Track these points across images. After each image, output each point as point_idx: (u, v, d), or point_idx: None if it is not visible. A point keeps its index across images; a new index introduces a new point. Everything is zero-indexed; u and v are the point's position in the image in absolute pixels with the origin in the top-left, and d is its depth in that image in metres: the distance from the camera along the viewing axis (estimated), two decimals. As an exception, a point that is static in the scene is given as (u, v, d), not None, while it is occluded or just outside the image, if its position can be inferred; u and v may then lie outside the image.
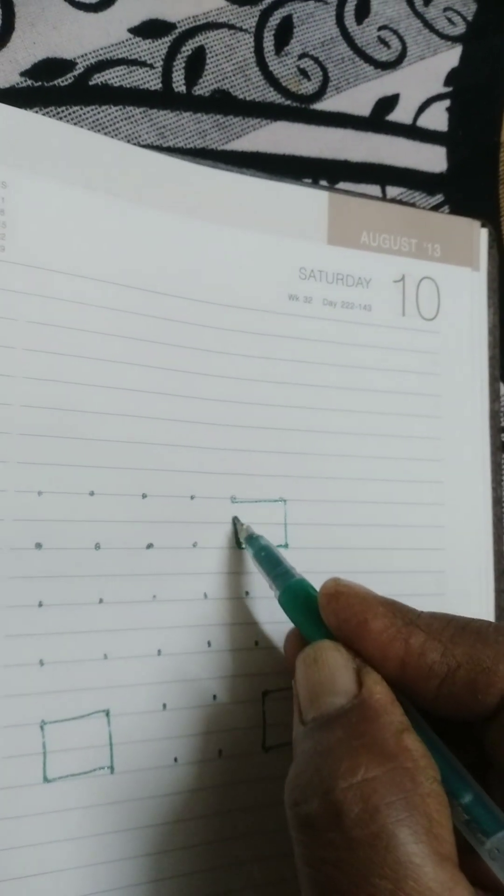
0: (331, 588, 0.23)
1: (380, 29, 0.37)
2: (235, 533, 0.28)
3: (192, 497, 0.27)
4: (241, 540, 0.28)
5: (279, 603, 0.25)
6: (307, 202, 0.31)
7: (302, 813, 0.19)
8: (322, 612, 0.23)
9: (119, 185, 0.27)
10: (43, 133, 0.26)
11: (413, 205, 0.34)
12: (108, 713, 0.25)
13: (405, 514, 0.30)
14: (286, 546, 0.28)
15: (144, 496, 0.27)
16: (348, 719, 0.20)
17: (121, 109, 0.30)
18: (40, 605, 0.25)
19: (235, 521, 0.28)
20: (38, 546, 0.25)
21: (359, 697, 0.20)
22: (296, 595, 0.25)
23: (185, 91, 0.32)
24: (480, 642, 0.21)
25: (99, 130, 0.30)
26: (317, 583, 0.28)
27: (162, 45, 0.32)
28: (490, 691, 0.20)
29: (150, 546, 0.27)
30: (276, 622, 0.28)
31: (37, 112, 0.29)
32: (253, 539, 0.27)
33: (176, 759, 0.26)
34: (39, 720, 0.24)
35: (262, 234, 0.30)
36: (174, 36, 0.32)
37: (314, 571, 0.28)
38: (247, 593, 0.28)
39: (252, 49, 0.33)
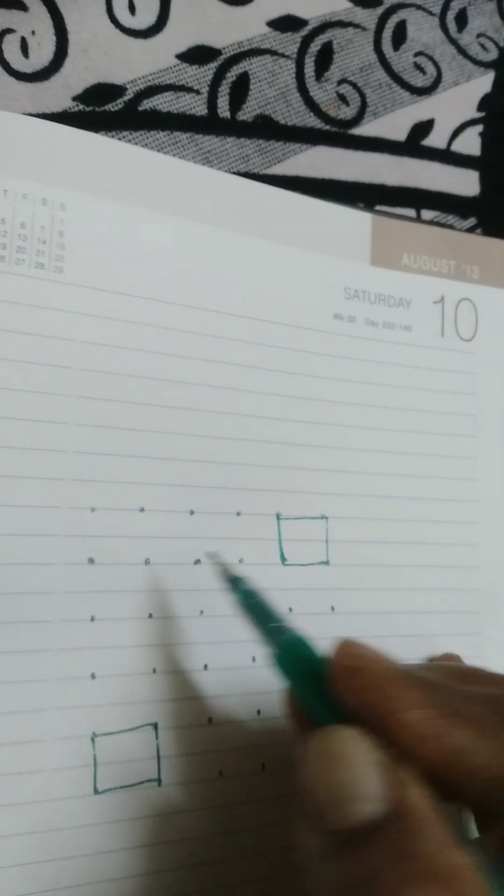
0: (347, 660, 0.20)
1: (416, 55, 0.37)
2: (215, 571, 0.25)
3: (237, 513, 0.28)
4: (223, 581, 0.25)
5: (274, 664, 0.22)
6: (352, 223, 0.31)
7: None
8: (339, 689, 0.19)
9: (172, 202, 0.28)
10: (100, 153, 0.27)
11: (451, 227, 0.35)
12: (156, 726, 0.26)
13: (441, 533, 0.31)
14: (327, 563, 0.29)
15: (192, 513, 0.27)
16: (389, 835, 0.16)
17: (168, 134, 0.31)
18: (92, 619, 0.25)
19: (213, 557, 0.26)
20: (91, 561, 0.25)
21: (396, 804, 0.17)
22: (296, 659, 0.21)
23: (229, 116, 0.33)
24: None
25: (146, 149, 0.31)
26: (352, 604, 0.28)
27: (208, 71, 0.32)
28: None
29: (197, 562, 0.27)
30: (316, 638, 0.28)
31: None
32: (237, 581, 0.24)
33: (221, 773, 0.27)
34: (91, 732, 0.25)
35: (310, 253, 0.30)
36: (219, 62, 0.33)
37: (355, 588, 0.29)
38: (290, 609, 0.28)
39: (294, 75, 0.34)
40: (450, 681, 0.20)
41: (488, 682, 0.20)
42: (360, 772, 0.17)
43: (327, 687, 0.20)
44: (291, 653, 0.21)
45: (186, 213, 0.28)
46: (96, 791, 0.25)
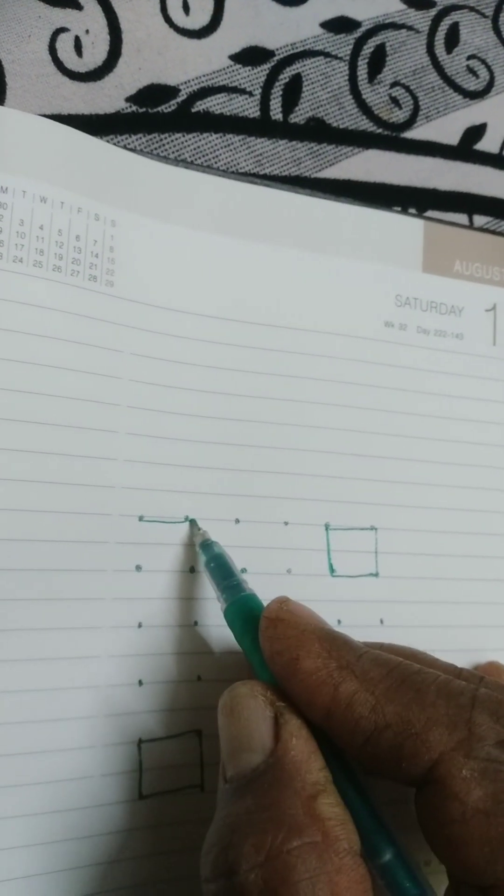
0: (272, 612, 0.21)
1: (468, 58, 0.37)
2: (191, 536, 0.26)
3: (285, 523, 0.28)
4: (196, 545, 0.26)
5: (225, 618, 0.24)
6: (403, 230, 0.31)
7: (210, 892, 0.18)
8: (260, 638, 0.21)
9: (219, 219, 0.28)
10: (149, 174, 0.27)
11: (503, 234, 0.34)
12: (200, 733, 0.26)
13: (493, 545, 0.31)
14: (376, 575, 0.29)
15: (238, 521, 0.27)
16: (260, 784, 0.18)
17: (221, 137, 0.31)
18: (140, 626, 0.25)
19: (192, 523, 0.26)
20: (139, 568, 0.25)
21: (273, 755, 0.18)
22: (241, 613, 0.23)
23: (281, 119, 0.32)
24: (417, 702, 0.18)
25: (200, 158, 0.30)
26: (401, 616, 0.28)
27: (261, 72, 0.32)
28: (415, 761, 0.18)
29: (244, 571, 0.27)
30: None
31: (141, 138, 0.30)
32: (207, 545, 0.25)
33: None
34: (137, 738, 0.25)
35: (361, 262, 0.30)
36: (272, 63, 0.32)
37: (404, 601, 0.29)
38: (339, 621, 0.28)
39: (346, 77, 0.34)
40: (367, 646, 0.21)
41: (418, 661, 0.21)
42: (249, 725, 0.19)
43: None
44: (239, 608, 0.23)
45: (234, 230, 0.28)
46: (141, 796, 0.25)
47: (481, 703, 0.19)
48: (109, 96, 0.30)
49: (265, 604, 0.22)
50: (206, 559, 0.25)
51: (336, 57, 0.34)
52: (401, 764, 0.18)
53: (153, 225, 0.27)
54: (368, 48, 0.35)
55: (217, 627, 0.26)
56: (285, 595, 0.22)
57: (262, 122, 0.32)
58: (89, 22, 0.30)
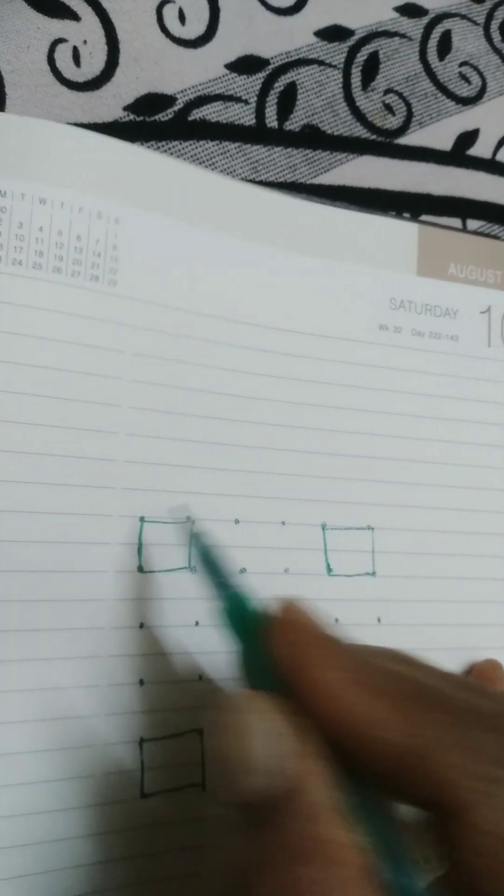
0: (286, 615, 0.20)
1: (461, 65, 0.37)
2: (189, 550, 0.26)
3: (283, 523, 0.28)
4: (187, 536, 0.25)
5: (219, 615, 0.22)
6: (398, 234, 0.31)
7: None
8: (270, 643, 0.19)
9: (220, 218, 0.28)
10: (152, 168, 0.27)
11: (497, 237, 0.34)
12: (201, 732, 0.26)
13: (489, 544, 0.31)
14: (373, 574, 0.29)
15: (237, 522, 0.27)
16: (276, 807, 0.17)
17: (217, 144, 0.31)
18: (141, 626, 0.26)
19: (180, 510, 0.26)
20: (140, 569, 0.26)
21: (290, 776, 0.17)
22: (237, 611, 0.22)
23: (277, 126, 0.33)
24: (441, 723, 0.17)
25: (196, 165, 0.31)
26: (397, 615, 0.28)
27: (256, 80, 0.33)
28: (438, 785, 0.17)
29: (243, 570, 0.27)
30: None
31: (139, 146, 0.30)
32: (199, 536, 0.24)
33: (263, 780, 0.27)
34: (138, 737, 0.25)
35: (355, 265, 0.30)
36: (267, 72, 0.33)
37: (401, 600, 0.29)
38: (336, 620, 0.28)
39: (340, 84, 0.34)
40: (387, 661, 0.19)
41: (420, 670, 0.20)
42: (262, 742, 0.17)
43: (263, 643, 0.19)
44: (236, 607, 0.22)
45: (234, 230, 0.28)
46: (143, 795, 0.25)
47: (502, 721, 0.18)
48: (107, 105, 0.30)
49: (260, 602, 0.21)
50: (198, 553, 0.24)
51: (330, 65, 0.34)
52: (423, 787, 0.17)
53: (158, 221, 0.27)
54: (362, 56, 0.35)
55: (217, 628, 0.26)
56: (290, 596, 0.21)
57: (258, 129, 0.32)
58: (87, 32, 0.30)
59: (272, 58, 0.33)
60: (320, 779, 0.17)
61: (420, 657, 0.22)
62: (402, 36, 0.36)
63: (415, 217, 0.34)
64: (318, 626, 0.20)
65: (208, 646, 0.26)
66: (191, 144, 0.31)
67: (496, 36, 0.39)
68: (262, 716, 0.18)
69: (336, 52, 0.35)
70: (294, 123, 0.33)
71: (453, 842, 0.17)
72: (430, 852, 0.18)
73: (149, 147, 0.30)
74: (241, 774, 0.17)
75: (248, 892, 0.16)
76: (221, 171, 0.31)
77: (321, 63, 0.34)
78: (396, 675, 0.19)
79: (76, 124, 0.29)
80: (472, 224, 0.36)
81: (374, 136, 0.35)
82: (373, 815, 0.18)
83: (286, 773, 0.17)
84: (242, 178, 0.32)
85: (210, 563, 0.24)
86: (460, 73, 0.37)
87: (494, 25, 0.39)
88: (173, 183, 0.28)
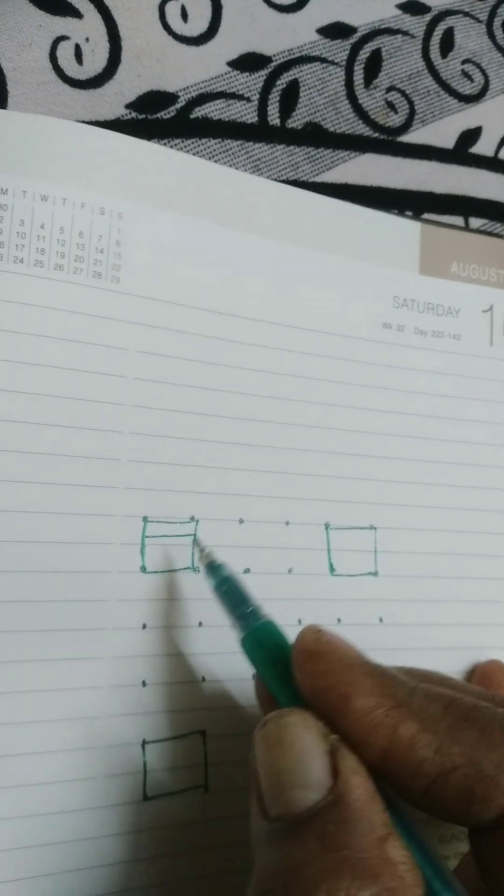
0: (311, 644, 0.20)
1: (463, 62, 0.37)
2: (192, 555, 0.26)
3: (286, 523, 0.28)
4: (201, 566, 0.25)
5: (242, 648, 0.22)
6: (400, 232, 0.31)
7: None
8: (297, 672, 0.19)
9: (226, 212, 0.28)
10: (156, 162, 0.27)
11: (500, 236, 0.34)
12: (204, 734, 0.26)
13: (491, 544, 0.31)
14: (376, 574, 0.29)
15: (241, 521, 0.27)
16: (322, 824, 0.16)
17: (219, 142, 0.31)
18: (144, 627, 0.25)
19: (196, 542, 0.26)
20: (143, 569, 0.26)
21: (334, 793, 0.17)
22: (262, 642, 0.22)
23: (279, 124, 0.33)
24: (484, 742, 0.17)
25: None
26: (400, 615, 0.28)
27: (258, 78, 0.33)
28: (488, 805, 0.17)
29: (247, 570, 0.27)
30: (365, 649, 0.28)
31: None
32: (214, 567, 0.24)
33: (267, 781, 0.27)
34: (141, 739, 0.25)
35: (359, 262, 0.30)
36: (270, 69, 0.33)
37: (403, 599, 0.29)
38: (339, 620, 0.28)
39: (343, 82, 0.34)
40: (412, 679, 0.19)
41: (450, 688, 0.20)
42: (302, 758, 0.17)
43: (291, 671, 0.20)
44: (259, 637, 0.22)
45: (239, 224, 0.28)
46: (146, 797, 0.25)
47: None
48: (109, 103, 0.30)
49: (284, 629, 0.21)
50: (215, 583, 0.24)
51: (332, 62, 0.34)
52: (470, 807, 0.17)
53: (162, 216, 0.27)
54: (364, 53, 0.35)
55: (220, 629, 0.26)
56: (316, 624, 0.21)
57: (260, 127, 0.32)
58: (89, 30, 0.30)
59: (274, 55, 0.33)
60: (365, 792, 0.17)
61: (453, 678, 0.21)
62: (405, 33, 0.36)
63: (417, 215, 0.34)
64: (346, 652, 0.19)
65: (212, 647, 0.26)
66: (193, 142, 0.31)
67: (499, 33, 0.39)
68: (307, 732, 0.18)
69: (338, 50, 0.34)
70: (296, 121, 0.33)
71: None
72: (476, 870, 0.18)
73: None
74: (287, 787, 0.17)
75: None
76: (224, 169, 0.31)
77: (323, 60, 0.34)
78: (443, 696, 0.18)
79: (78, 122, 0.29)
80: (475, 222, 0.36)
81: (376, 134, 0.34)
82: (415, 837, 0.17)
83: (332, 786, 0.17)
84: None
85: (229, 594, 0.23)
86: (463, 70, 0.37)
87: (497, 23, 0.39)
88: (178, 177, 0.27)
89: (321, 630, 0.20)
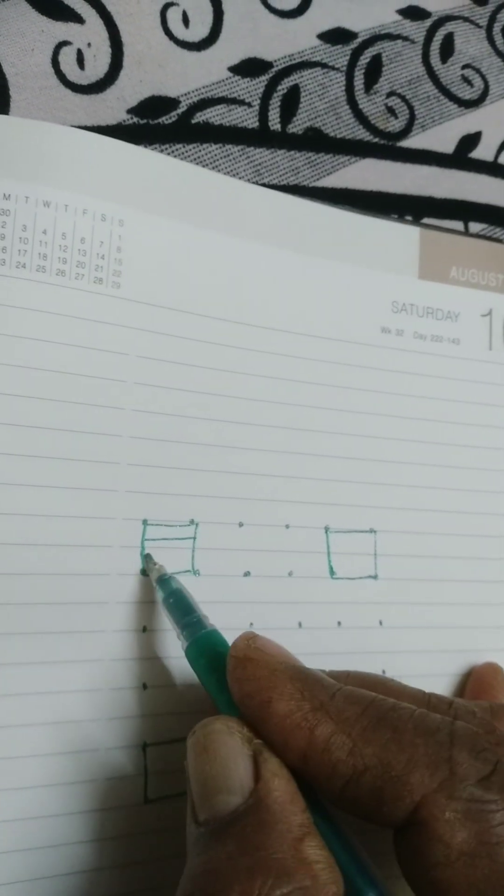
0: (241, 651, 0.20)
1: (463, 68, 0.37)
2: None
3: (286, 526, 0.28)
4: (153, 580, 0.25)
5: (186, 657, 0.23)
6: (400, 237, 0.31)
7: None
8: (228, 678, 0.20)
9: (224, 220, 0.28)
10: (157, 170, 0.27)
11: (499, 240, 0.35)
12: (204, 736, 0.26)
13: (491, 547, 0.31)
14: (376, 577, 0.29)
15: (241, 524, 0.27)
16: (242, 826, 0.17)
17: (220, 147, 0.31)
18: (144, 629, 0.25)
19: (147, 558, 0.26)
20: (143, 572, 0.26)
21: (254, 796, 0.18)
22: (203, 651, 0.22)
23: (280, 129, 0.33)
24: (395, 742, 0.18)
25: (200, 166, 0.31)
26: (399, 618, 0.28)
27: (259, 83, 0.33)
28: (398, 805, 0.17)
29: (247, 574, 0.27)
30: (365, 652, 0.28)
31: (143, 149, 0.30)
32: (164, 581, 0.25)
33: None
34: (142, 742, 0.25)
35: (358, 268, 0.30)
36: (271, 75, 0.33)
37: (403, 602, 0.29)
38: (339, 623, 0.28)
39: (343, 87, 0.34)
40: (339, 682, 0.20)
41: (385, 691, 0.20)
42: (226, 764, 0.18)
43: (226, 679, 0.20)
44: (201, 646, 0.22)
45: (238, 231, 0.28)
46: (147, 800, 0.25)
47: (459, 738, 0.18)
48: (111, 108, 0.30)
49: (229, 640, 0.22)
50: (163, 595, 0.24)
51: (333, 68, 0.34)
52: (382, 807, 0.18)
53: (162, 223, 0.27)
54: (365, 59, 0.35)
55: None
56: (251, 631, 0.21)
57: (261, 132, 0.32)
58: (91, 35, 0.30)
59: (275, 60, 0.33)
60: (284, 794, 0.18)
61: (393, 679, 0.22)
62: (405, 39, 0.36)
63: (417, 220, 0.34)
64: (273, 658, 0.20)
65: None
66: (194, 147, 0.31)
67: (499, 38, 0.39)
68: (231, 738, 0.19)
69: (339, 55, 0.35)
70: (297, 126, 0.33)
71: (427, 859, 0.17)
72: (394, 868, 0.19)
73: (152, 150, 0.30)
74: (213, 792, 0.18)
75: None
76: (225, 173, 0.31)
77: (324, 66, 0.34)
78: (363, 698, 0.19)
79: (80, 127, 0.29)
80: (474, 227, 0.36)
81: (376, 139, 0.35)
82: (337, 836, 0.18)
83: (252, 790, 0.18)
84: (245, 181, 0.32)
85: (175, 606, 0.24)
86: (463, 75, 0.37)
87: (497, 28, 0.39)
88: (177, 184, 0.28)
89: (255, 636, 0.21)
